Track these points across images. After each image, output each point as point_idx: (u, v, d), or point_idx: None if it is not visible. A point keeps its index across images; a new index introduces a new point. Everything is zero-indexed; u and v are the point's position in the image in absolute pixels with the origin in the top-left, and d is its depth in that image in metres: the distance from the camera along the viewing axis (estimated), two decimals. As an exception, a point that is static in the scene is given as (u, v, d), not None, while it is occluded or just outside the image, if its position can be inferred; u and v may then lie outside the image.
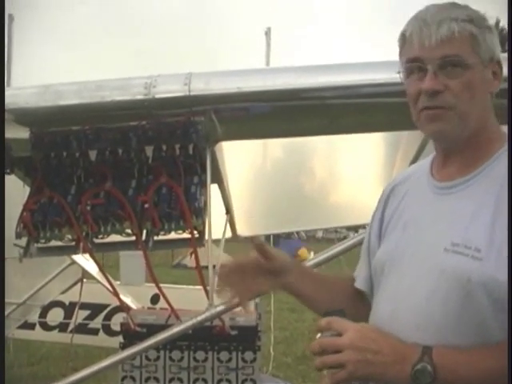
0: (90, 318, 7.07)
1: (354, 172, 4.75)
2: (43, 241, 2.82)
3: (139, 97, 2.66)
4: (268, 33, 7.57)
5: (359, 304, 1.93)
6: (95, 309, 7.02)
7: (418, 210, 1.73)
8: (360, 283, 1.95)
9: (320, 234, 29.39)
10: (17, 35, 7.15)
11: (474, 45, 1.59)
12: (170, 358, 2.96)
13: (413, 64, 1.64)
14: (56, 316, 7.22)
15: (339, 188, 5.20)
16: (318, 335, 1.58)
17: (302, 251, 19.95)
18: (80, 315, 6.72)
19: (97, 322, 7.04)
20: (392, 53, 1.81)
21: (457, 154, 1.68)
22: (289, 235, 20.09)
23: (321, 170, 5.06)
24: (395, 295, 1.67)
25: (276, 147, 4.58)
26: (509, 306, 1.48)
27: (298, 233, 22.49)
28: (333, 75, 2.74)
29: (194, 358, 2.98)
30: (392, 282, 1.70)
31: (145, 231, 2.77)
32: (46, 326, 7.31)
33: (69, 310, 7.07)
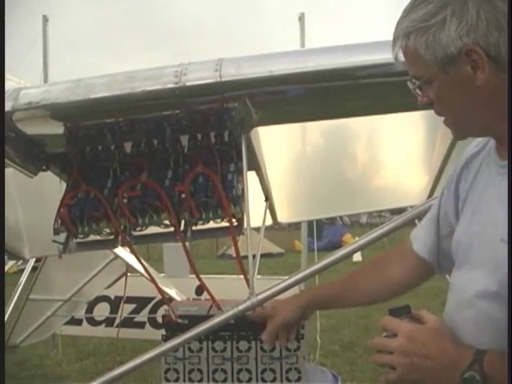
0: (136, 311, 7.11)
1: (395, 154, 4.67)
2: (82, 236, 2.81)
3: (170, 85, 2.63)
4: (302, 18, 7.52)
5: (409, 267, 1.95)
6: (141, 302, 7.05)
7: (484, 193, 1.62)
8: (421, 248, 1.94)
9: (364, 220, 29.27)
10: (52, 34, 7.23)
11: (420, 57, 1.49)
12: (213, 349, 2.92)
13: None
14: (102, 311, 7.28)
15: (381, 171, 5.13)
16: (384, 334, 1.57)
17: (347, 237, 19.90)
18: (126, 309, 6.76)
19: (143, 316, 7.08)
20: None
21: (499, 138, 1.58)
22: (332, 221, 20.04)
23: (362, 153, 5.01)
24: (459, 288, 1.62)
25: (315, 132, 4.53)
26: (509, 306, 1.42)
27: (341, 218, 22.39)
28: (368, 53, 2.66)
29: (237, 348, 2.94)
30: (459, 273, 1.66)
31: (183, 221, 2.74)
32: (92, 322, 7.38)
33: (115, 304, 7.12)
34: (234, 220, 2.71)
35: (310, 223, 8.10)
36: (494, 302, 1.47)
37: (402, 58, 1.57)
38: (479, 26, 1.41)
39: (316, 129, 4.35)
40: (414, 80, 1.56)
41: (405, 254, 2.02)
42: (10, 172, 3.06)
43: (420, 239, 1.97)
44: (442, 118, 1.60)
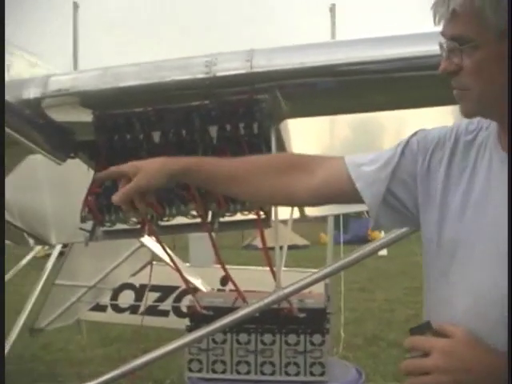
0: (161, 299, 7.11)
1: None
2: (108, 224, 2.81)
3: (200, 75, 2.61)
4: (332, 9, 7.46)
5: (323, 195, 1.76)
6: (165, 291, 7.05)
7: (489, 188, 1.53)
8: (365, 190, 1.72)
9: (390, 213, 29.08)
10: (82, 22, 7.24)
11: (483, 19, 1.40)
12: (237, 341, 2.92)
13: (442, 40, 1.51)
14: (127, 298, 7.29)
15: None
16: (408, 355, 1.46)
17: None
18: (150, 297, 6.77)
19: (167, 304, 7.09)
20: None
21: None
22: (359, 214, 19.93)
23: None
24: (477, 287, 1.50)
25: (344, 126, 4.49)
26: (509, 305, 1.39)
27: (368, 212, 22.26)
28: (400, 47, 2.63)
29: (262, 341, 2.94)
30: (469, 272, 1.53)
31: (210, 213, 2.72)
32: (117, 308, 7.39)
33: (139, 292, 7.13)
34: (261, 212, 2.69)
35: (336, 216, 8.04)
36: None
37: (443, 14, 1.45)
38: None
39: (345, 122, 4.31)
40: (454, 42, 1.46)
41: (329, 179, 1.77)
42: (38, 158, 3.07)
43: (365, 179, 1.74)
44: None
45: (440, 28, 1.49)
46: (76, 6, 7.26)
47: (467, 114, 1.53)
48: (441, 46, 1.50)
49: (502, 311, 1.43)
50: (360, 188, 1.73)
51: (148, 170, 1.79)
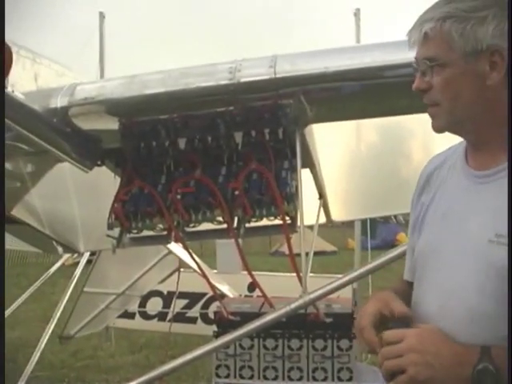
0: (188, 306, 7.14)
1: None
2: (135, 231, 2.83)
3: (224, 82, 2.63)
4: (357, 14, 7.44)
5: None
6: (193, 298, 7.08)
7: (456, 200, 1.69)
8: (407, 275, 1.90)
9: (418, 218, 28.86)
10: (108, 30, 7.31)
11: (450, 42, 1.57)
12: (264, 347, 2.92)
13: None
14: (155, 305, 7.34)
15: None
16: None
17: (401, 236, 19.66)
18: (178, 304, 6.79)
19: (195, 311, 7.11)
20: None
21: (483, 144, 1.64)
22: (386, 220, 19.83)
23: (417, 152, 4.93)
24: (443, 289, 1.64)
25: (370, 130, 4.48)
26: (509, 306, 1.46)
27: (395, 217, 22.13)
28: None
29: (289, 347, 2.93)
30: (438, 276, 1.67)
31: (236, 218, 2.73)
32: (145, 315, 7.44)
33: (167, 299, 7.16)
34: (287, 218, 2.69)
35: (363, 222, 8.00)
36: (492, 298, 1.51)
37: (417, 38, 1.61)
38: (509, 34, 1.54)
39: (371, 126, 4.30)
40: (426, 61, 1.61)
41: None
42: (66, 166, 3.10)
43: (406, 266, 1.93)
44: None
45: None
46: (102, 16, 7.35)
47: (438, 129, 1.68)
48: (414, 67, 1.67)
49: (467, 308, 1.56)
50: (405, 275, 1.90)
51: None
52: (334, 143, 4.13)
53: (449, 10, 1.58)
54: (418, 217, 1.83)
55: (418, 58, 1.63)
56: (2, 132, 2.54)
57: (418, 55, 1.63)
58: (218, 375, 3.03)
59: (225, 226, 2.74)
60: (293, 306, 2.70)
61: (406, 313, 1.67)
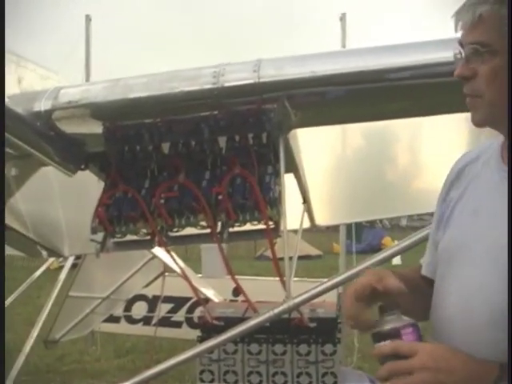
0: (174, 311, 7.12)
1: (436, 157, 4.60)
2: (119, 235, 2.82)
3: (208, 86, 2.62)
4: (343, 18, 7.46)
5: (428, 291, 1.78)
6: (178, 302, 7.06)
7: (487, 196, 1.61)
8: (426, 270, 1.82)
9: (404, 223, 28.89)
10: (94, 34, 7.30)
11: (502, 28, 1.45)
12: (248, 352, 2.91)
13: (458, 48, 1.55)
14: (140, 309, 7.31)
15: (422, 174, 5.05)
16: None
17: (386, 240, 19.70)
18: (163, 308, 6.78)
19: (180, 315, 7.09)
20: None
21: None
22: (372, 224, 19.86)
23: (403, 156, 4.94)
24: (468, 288, 1.55)
25: (356, 135, 4.48)
26: (509, 305, 1.41)
27: (381, 221, 22.20)
28: (411, 54, 2.62)
29: (273, 351, 2.93)
30: (463, 273, 1.58)
31: (220, 223, 2.72)
32: (130, 320, 7.41)
33: (152, 303, 7.14)
34: (270, 222, 2.69)
35: (348, 226, 8.01)
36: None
37: (469, 20, 1.49)
38: None
39: (356, 130, 4.30)
40: (476, 46, 1.49)
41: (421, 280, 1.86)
42: (51, 170, 3.09)
43: (425, 260, 1.86)
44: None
45: (458, 35, 1.53)
46: (88, 19, 7.34)
47: (478, 123, 1.57)
48: (457, 52, 1.54)
49: (489, 310, 1.48)
50: (424, 271, 1.83)
51: None
52: (320, 147, 4.13)
53: None
54: (444, 212, 1.74)
55: (465, 43, 1.51)
56: (2, 132, 2.54)
57: (466, 39, 1.51)
58: (202, 380, 3.02)
59: (208, 230, 2.73)
60: (276, 310, 2.69)
61: (400, 287, 1.57)
